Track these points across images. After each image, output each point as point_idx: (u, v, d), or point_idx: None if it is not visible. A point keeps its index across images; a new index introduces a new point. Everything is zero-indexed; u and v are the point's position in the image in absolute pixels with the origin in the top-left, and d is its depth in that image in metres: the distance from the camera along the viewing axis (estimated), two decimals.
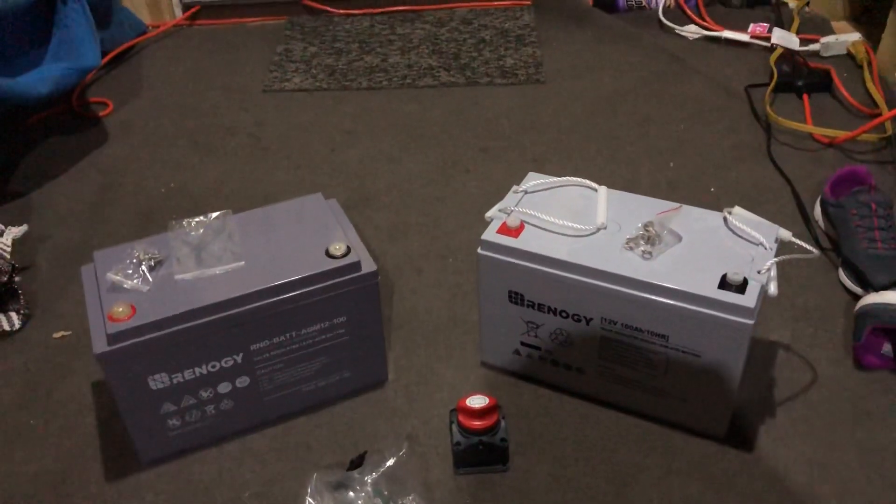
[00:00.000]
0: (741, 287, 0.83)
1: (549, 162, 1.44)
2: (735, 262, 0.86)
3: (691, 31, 1.85)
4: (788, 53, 1.70)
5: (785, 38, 1.73)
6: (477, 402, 0.87)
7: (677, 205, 0.94)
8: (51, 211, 1.36)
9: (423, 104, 1.63)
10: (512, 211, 0.94)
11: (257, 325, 0.88)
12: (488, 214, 0.95)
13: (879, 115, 1.45)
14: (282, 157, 1.48)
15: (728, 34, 1.80)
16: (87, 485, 0.91)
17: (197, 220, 0.91)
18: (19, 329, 1.12)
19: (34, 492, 0.91)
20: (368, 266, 0.91)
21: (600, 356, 0.93)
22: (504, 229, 0.92)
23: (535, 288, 0.92)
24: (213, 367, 0.89)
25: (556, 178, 1.00)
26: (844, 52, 1.72)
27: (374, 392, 1.01)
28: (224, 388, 0.91)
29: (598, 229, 0.91)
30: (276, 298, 0.87)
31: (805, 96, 1.57)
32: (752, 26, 1.82)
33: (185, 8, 2.02)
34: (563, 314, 0.92)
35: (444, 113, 1.60)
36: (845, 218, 1.15)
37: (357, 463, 0.88)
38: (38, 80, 1.42)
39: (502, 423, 0.90)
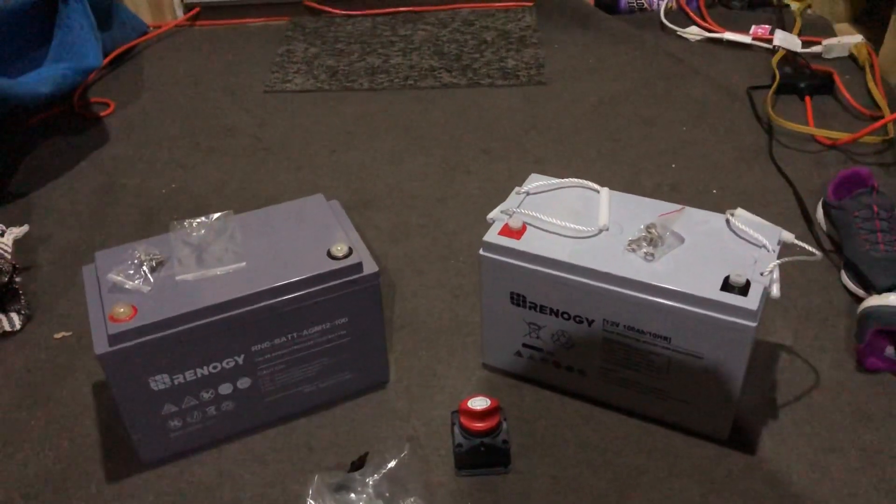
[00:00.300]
0: (744, 289, 0.83)
1: (551, 163, 1.44)
2: (738, 264, 0.86)
3: (693, 32, 1.85)
4: (790, 55, 1.70)
5: (787, 40, 1.73)
6: (478, 403, 0.87)
7: (680, 206, 0.94)
8: (52, 211, 1.36)
9: (424, 105, 1.63)
10: (514, 212, 0.94)
11: (259, 326, 0.88)
12: (490, 216, 0.95)
13: (881, 117, 1.45)
14: (283, 158, 1.48)
15: (730, 36, 1.80)
16: (88, 486, 0.91)
17: (198, 220, 0.90)
18: (20, 329, 1.12)
19: (34, 492, 0.91)
20: (370, 267, 0.91)
21: (602, 358, 0.93)
22: (506, 231, 0.92)
23: (536, 289, 0.92)
24: (215, 368, 0.89)
25: (558, 180, 1.00)
26: (846, 54, 1.72)
27: (375, 393, 1.01)
28: (225, 389, 0.91)
29: (601, 231, 0.91)
30: (277, 299, 0.87)
31: (807, 98, 1.57)
32: (753, 28, 1.82)
33: (187, 8, 2.02)
34: (565, 316, 0.92)
35: (446, 114, 1.60)
36: (847, 220, 1.14)
37: (358, 464, 0.88)
38: (40, 80, 1.42)
39: (504, 425, 0.90)
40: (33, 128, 1.60)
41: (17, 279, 1.14)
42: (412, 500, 0.85)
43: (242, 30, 1.99)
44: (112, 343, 0.82)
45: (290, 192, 1.38)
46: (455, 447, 0.89)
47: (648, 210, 0.94)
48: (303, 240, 0.93)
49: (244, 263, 0.89)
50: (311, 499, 0.84)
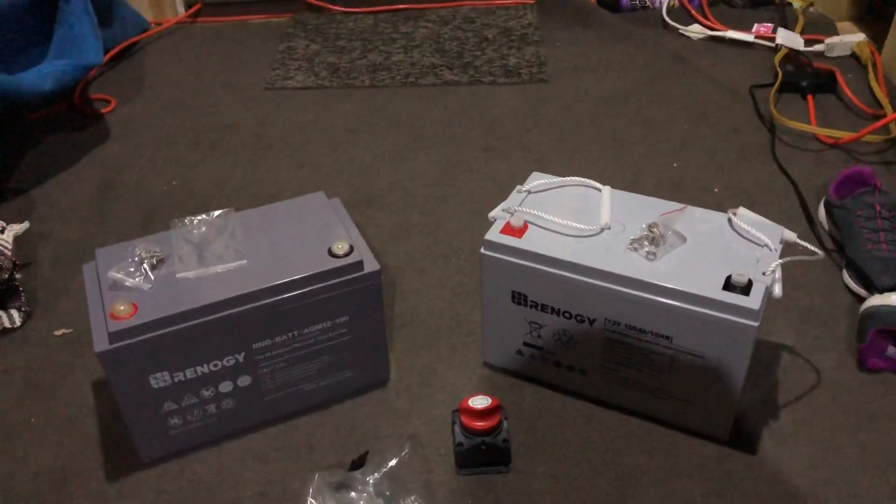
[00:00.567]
0: (746, 288, 0.83)
1: (553, 162, 1.44)
2: (740, 264, 0.85)
3: (695, 30, 1.85)
4: (793, 54, 1.70)
5: (789, 39, 1.73)
6: (479, 402, 0.87)
7: (682, 205, 0.94)
8: (52, 208, 1.36)
9: (425, 103, 1.63)
10: (515, 211, 0.94)
11: (259, 324, 0.88)
12: (492, 214, 0.95)
13: (884, 115, 1.45)
14: (284, 156, 1.48)
15: (732, 34, 1.80)
16: (88, 483, 0.91)
17: (199, 218, 0.90)
18: (20, 326, 1.12)
19: (34, 490, 0.91)
20: (371, 265, 0.91)
21: (603, 357, 0.93)
22: (508, 229, 0.92)
23: (538, 288, 0.91)
24: (215, 366, 0.88)
25: (559, 178, 0.99)
26: (849, 52, 1.72)
27: (375, 392, 1.01)
28: (225, 387, 0.91)
29: (602, 230, 0.91)
30: (278, 297, 0.87)
31: (809, 97, 1.57)
32: (756, 26, 1.82)
33: (188, 5, 2.01)
34: (567, 315, 0.92)
35: (447, 112, 1.59)
36: (849, 219, 1.14)
37: (359, 463, 0.88)
38: (40, 77, 1.42)
39: (504, 424, 0.89)
40: (34, 124, 1.60)
41: (18, 276, 1.14)
42: (413, 498, 0.85)
43: (243, 26, 1.99)
44: (112, 341, 0.82)
45: (290, 190, 1.38)
46: (455, 446, 0.89)
47: (650, 209, 0.94)
48: (304, 238, 0.93)
49: (245, 261, 0.89)
50: (312, 497, 0.84)
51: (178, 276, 0.88)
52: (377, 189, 1.38)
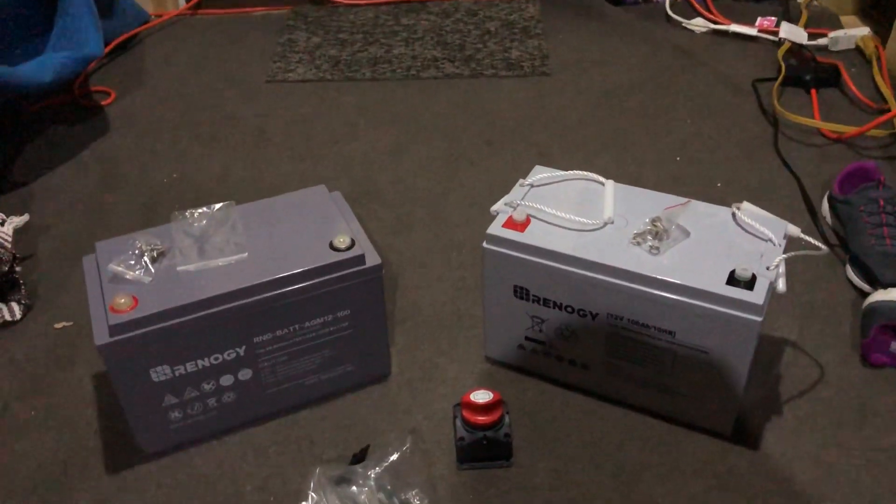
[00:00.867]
0: (750, 283, 0.82)
1: (555, 155, 1.43)
2: (743, 258, 0.85)
3: (698, 24, 1.84)
4: (796, 48, 1.69)
5: (793, 33, 1.72)
6: (481, 397, 0.87)
7: (685, 199, 0.93)
8: (52, 201, 1.36)
9: (427, 96, 1.62)
10: (518, 205, 0.93)
11: (260, 317, 0.87)
12: (494, 208, 0.94)
13: (888, 110, 1.44)
14: (285, 149, 1.47)
15: (735, 28, 1.79)
16: (88, 477, 0.91)
17: (200, 211, 0.90)
18: (20, 319, 1.12)
19: (35, 484, 0.90)
20: (373, 259, 0.91)
21: (606, 352, 0.92)
22: (510, 223, 0.91)
23: (540, 283, 0.91)
24: (216, 359, 0.88)
25: (562, 172, 0.99)
26: (853, 46, 1.71)
27: (377, 386, 1.00)
28: (226, 380, 0.91)
29: (605, 224, 0.90)
30: (279, 291, 0.87)
31: (813, 91, 1.56)
32: (759, 20, 1.81)
33: None
34: (569, 309, 0.91)
35: (449, 105, 1.59)
36: (853, 214, 1.14)
37: (360, 457, 0.88)
38: (40, 68, 1.41)
39: (506, 419, 0.89)
40: (34, 116, 1.59)
41: (18, 269, 1.14)
42: (414, 492, 0.85)
43: (244, 19, 1.98)
44: (113, 334, 0.82)
45: (292, 183, 1.38)
46: (457, 440, 0.89)
47: (654, 203, 0.93)
48: (305, 231, 0.92)
49: (246, 254, 0.89)
50: (313, 491, 0.84)
51: (178, 269, 0.87)
52: (378, 183, 1.38)
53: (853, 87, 1.55)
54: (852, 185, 1.20)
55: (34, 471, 0.92)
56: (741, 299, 0.81)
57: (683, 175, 1.36)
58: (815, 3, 1.90)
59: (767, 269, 0.84)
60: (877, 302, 1.01)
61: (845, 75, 1.58)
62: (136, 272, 0.86)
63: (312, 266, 0.87)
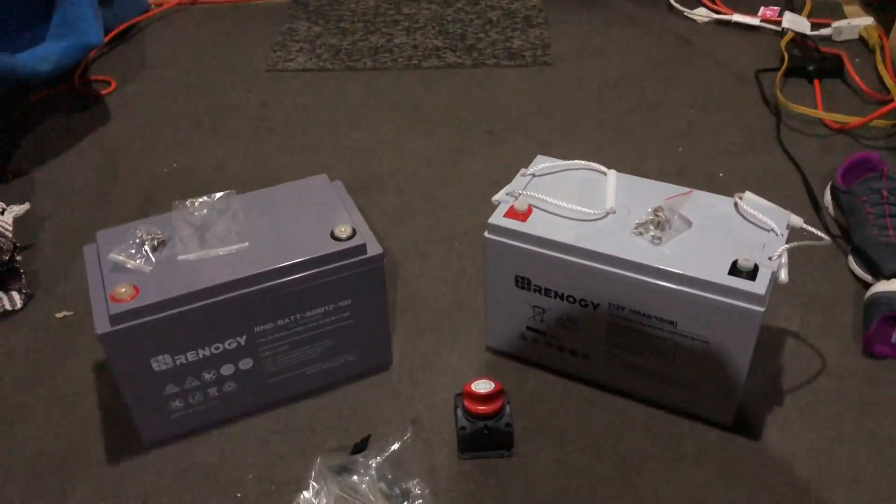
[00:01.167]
0: (752, 273, 0.82)
1: (557, 145, 1.43)
2: (746, 248, 0.85)
3: (701, 14, 1.83)
4: (799, 38, 1.68)
5: (796, 22, 1.71)
6: (482, 386, 0.87)
7: (687, 189, 0.93)
8: (53, 190, 1.35)
9: (428, 85, 1.61)
10: (519, 194, 0.93)
11: (261, 306, 0.87)
12: (495, 198, 0.94)
13: (891, 100, 1.44)
14: (286, 138, 1.47)
15: (738, 18, 1.78)
16: (89, 466, 0.91)
17: (200, 200, 0.90)
18: (21, 309, 1.12)
19: (35, 473, 0.91)
20: (374, 249, 0.90)
21: (607, 342, 0.92)
22: (511, 213, 0.91)
23: (542, 272, 0.91)
24: (217, 348, 0.88)
25: (564, 162, 0.98)
26: (856, 36, 1.70)
27: (378, 376, 1.00)
28: (227, 370, 0.90)
29: (607, 214, 0.90)
30: (280, 280, 0.86)
31: (816, 81, 1.55)
32: (762, 10, 1.80)
33: None
34: (571, 299, 0.91)
35: (450, 94, 1.58)
36: (856, 205, 1.13)
37: (361, 447, 0.88)
38: (40, 57, 1.41)
39: (507, 409, 0.89)
40: (34, 106, 1.59)
41: (18, 258, 1.14)
42: (415, 482, 0.85)
43: (244, 8, 1.97)
44: (113, 323, 0.81)
45: (292, 173, 1.37)
46: (458, 430, 0.89)
47: (656, 193, 0.93)
48: (306, 220, 0.92)
49: (246, 244, 0.89)
50: (314, 481, 0.84)
51: (179, 258, 0.87)
52: (380, 172, 1.37)
53: (856, 78, 1.55)
54: (855, 175, 1.20)
55: (34, 459, 0.92)
56: (743, 289, 0.81)
57: (685, 165, 1.36)
58: None
59: (769, 259, 0.83)
60: (879, 293, 1.01)
61: (848, 65, 1.58)
62: (137, 261, 0.86)
63: (313, 255, 0.87)
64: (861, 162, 1.20)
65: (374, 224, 1.25)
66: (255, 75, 1.67)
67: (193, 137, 1.48)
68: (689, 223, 0.89)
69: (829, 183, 1.24)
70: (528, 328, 0.97)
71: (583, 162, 0.98)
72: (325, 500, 0.82)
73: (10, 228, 1.15)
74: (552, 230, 0.88)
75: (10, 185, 1.37)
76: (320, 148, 1.44)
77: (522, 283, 0.93)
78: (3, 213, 1.17)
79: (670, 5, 1.87)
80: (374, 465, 0.85)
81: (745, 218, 0.89)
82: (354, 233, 0.90)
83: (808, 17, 1.76)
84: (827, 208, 1.24)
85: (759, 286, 0.81)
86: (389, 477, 0.84)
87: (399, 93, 1.60)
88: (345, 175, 1.36)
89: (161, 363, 0.86)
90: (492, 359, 1.02)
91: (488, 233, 0.92)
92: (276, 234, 0.90)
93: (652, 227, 0.87)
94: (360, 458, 0.85)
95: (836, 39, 1.70)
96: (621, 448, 0.91)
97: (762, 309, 0.81)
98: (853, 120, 1.39)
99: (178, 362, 0.87)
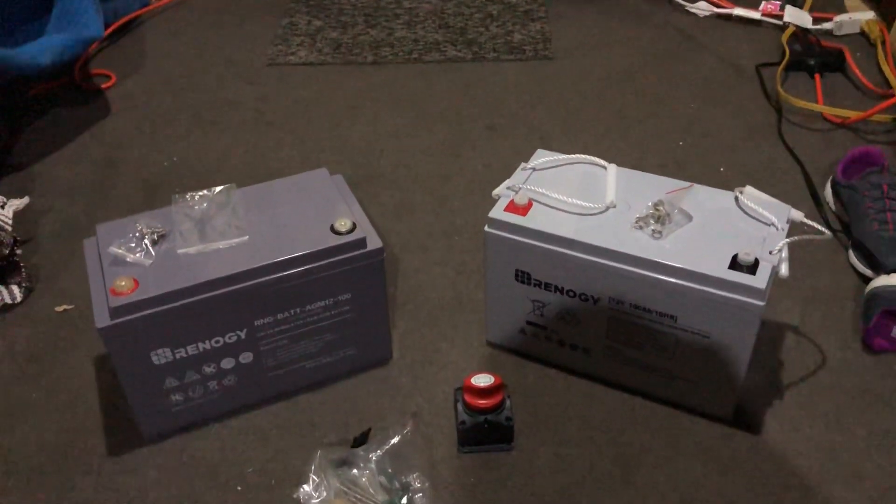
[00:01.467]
0: (752, 268, 0.82)
1: (557, 139, 1.42)
2: (746, 243, 0.85)
3: (702, 8, 1.82)
4: (801, 32, 1.68)
5: (797, 16, 1.71)
6: (482, 380, 0.87)
7: (688, 184, 0.93)
8: (53, 184, 1.35)
9: (429, 79, 1.61)
10: (520, 188, 0.93)
11: (261, 300, 0.87)
12: (496, 192, 0.94)
13: (893, 95, 1.43)
14: (286, 132, 1.47)
15: (739, 11, 1.78)
16: (89, 459, 0.91)
17: (200, 193, 0.90)
18: (21, 302, 1.12)
19: (36, 466, 0.91)
20: (374, 243, 0.90)
21: (607, 336, 0.92)
22: (512, 207, 0.91)
23: (542, 267, 0.91)
24: (217, 342, 0.88)
25: (564, 156, 0.98)
26: (858, 30, 1.70)
27: (378, 370, 1.00)
28: (227, 363, 0.90)
29: (608, 208, 0.90)
30: (280, 274, 0.86)
31: (817, 76, 1.55)
32: (763, 4, 1.79)
33: None
34: (571, 294, 0.91)
35: (451, 89, 1.58)
36: (857, 199, 1.13)
37: (361, 440, 0.88)
38: (40, 50, 1.40)
39: (507, 403, 0.89)
40: (34, 99, 1.59)
41: (18, 251, 1.14)
42: (415, 476, 0.85)
43: (245, 1, 1.96)
44: (113, 316, 0.81)
45: (293, 167, 1.37)
46: (458, 424, 0.89)
47: (656, 187, 0.93)
48: (306, 214, 0.92)
49: (246, 237, 0.88)
50: (314, 474, 0.84)
51: (179, 251, 0.87)
52: (380, 166, 1.37)
53: (857, 72, 1.54)
54: (856, 170, 1.19)
55: (35, 453, 0.92)
56: (743, 284, 0.81)
57: (686, 159, 1.36)
58: None
59: (770, 253, 0.83)
60: (879, 287, 1.01)
61: (850, 60, 1.57)
62: (137, 255, 0.86)
63: (313, 249, 0.87)
64: (862, 156, 1.19)
65: (375, 218, 1.25)
66: (256, 69, 1.67)
67: (194, 131, 1.48)
68: (689, 217, 0.88)
69: (830, 177, 1.24)
70: (528, 322, 0.97)
71: (583, 156, 0.98)
72: (325, 494, 0.83)
73: (10, 222, 1.15)
74: (552, 224, 0.88)
75: (11, 178, 1.37)
76: (320, 142, 1.44)
77: (523, 277, 0.93)
78: (3, 207, 1.17)
79: None
80: (374, 458, 0.85)
81: (745, 212, 0.89)
82: (354, 227, 0.90)
83: (810, 11, 1.76)
84: (827, 203, 1.24)
85: (760, 280, 0.81)
86: (389, 471, 0.85)
87: (399, 87, 1.59)
88: (345, 169, 1.36)
89: (161, 357, 0.86)
90: (492, 353, 1.02)
91: (488, 227, 0.91)
92: (276, 228, 0.90)
93: (652, 222, 0.87)
94: (360, 451, 0.85)
95: (838, 34, 1.70)
96: (621, 442, 0.91)
97: (762, 303, 0.81)
98: (854, 114, 1.39)
99: (178, 356, 0.87)
